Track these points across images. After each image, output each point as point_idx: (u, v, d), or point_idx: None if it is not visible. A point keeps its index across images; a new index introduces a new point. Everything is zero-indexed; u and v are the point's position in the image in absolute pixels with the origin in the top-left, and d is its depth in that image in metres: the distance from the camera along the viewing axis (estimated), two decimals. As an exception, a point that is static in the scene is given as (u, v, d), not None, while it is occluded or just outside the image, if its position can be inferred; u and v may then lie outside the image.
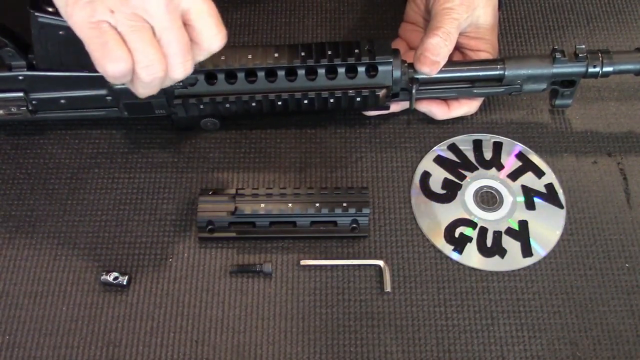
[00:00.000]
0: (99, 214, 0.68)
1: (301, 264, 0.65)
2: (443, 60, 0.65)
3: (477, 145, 0.72)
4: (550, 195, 0.69)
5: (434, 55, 0.65)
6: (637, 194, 0.69)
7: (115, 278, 0.64)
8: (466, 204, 0.69)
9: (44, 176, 0.70)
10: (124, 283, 0.64)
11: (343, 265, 0.65)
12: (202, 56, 0.55)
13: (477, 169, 0.71)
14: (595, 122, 0.74)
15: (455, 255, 0.66)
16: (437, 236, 0.67)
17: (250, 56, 0.64)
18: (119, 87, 0.62)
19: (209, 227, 0.65)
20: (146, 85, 0.54)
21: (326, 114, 0.74)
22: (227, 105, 0.66)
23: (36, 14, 0.56)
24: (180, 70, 0.54)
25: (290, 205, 0.65)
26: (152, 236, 0.67)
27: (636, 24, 0.81)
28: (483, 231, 0.67)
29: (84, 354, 0.61)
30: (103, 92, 0.64)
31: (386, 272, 0.65)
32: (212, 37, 0.53)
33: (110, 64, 0.52)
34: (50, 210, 0.68)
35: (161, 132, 0.73)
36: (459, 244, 0.67)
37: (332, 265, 0.65)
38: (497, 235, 0.67)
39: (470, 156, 0.72)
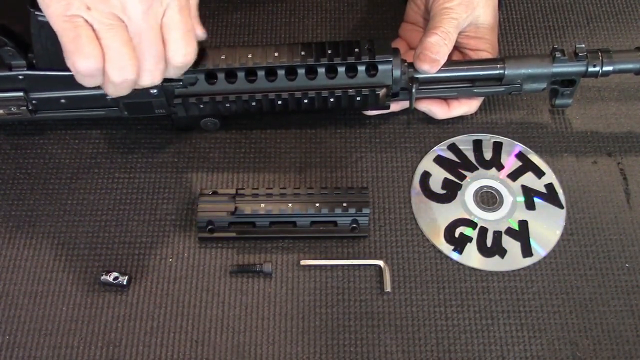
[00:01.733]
0: (99, 214, 0.68)
1: (301, 264, 0.65)
2: (443, 58, 0.65)
3: (477, 145, 0.72)
4: (550, 195, 0.69)
5: (433, 54, 0.65)
6: (637, 194, 0.69)
7: (115, 278, 0.64)
8: (466, 204, 0.69)
9: (44, 176, 0.70)
10: (124, 283, 0.64)
11: (343, 265, 0.65)
12: (168, 72, 0.56)
13: (477, 169, 0.71)
14: (595, 122, 0.74)
15: (455, 255, 0.66)
16: (437, 236, 0.67)
17: (250, 55, 0.64)
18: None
19: (209, 227, 0.65)
20: (116, 87, 0.54)
21: (326, 114, 0.74)
22: (227, 105, 0.66)
23: (36, 12, 0.56)
24: (149, 77, 0.54)
25: (290, 205, 0.65)
26: (152, 236, 0.67)
27: (636, 24, 0.81)
28: (483, 231, 0.67)
29: (84, 354, 0.61)
30: (103, 91, 0.64)
31: (386, 272, 0.65)
32: (176, 52, 0.54)
33: (80, 60, 0.52)
34: (50, 210, 0.68)
35: (161, 132, 0.73)
36: (459, 244, 0.67)
37: (332, 265, 0.65)
38: (497, 235, 0.67)
39: (470, 156, 0.72)
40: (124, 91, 0.55)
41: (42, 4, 0.52)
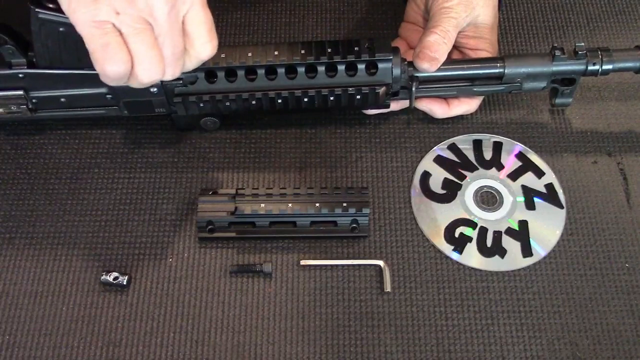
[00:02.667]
0: (99, 214, 0.68)
1: (301, 264, 0.65)
2: (442, 57, 0.65)
3: (477, 145, 0.72)
4: (550, 195, 0.69)
5: (432, 52, 0.65)
6: (637, 194, 0.69)
7: (115, 278, 0.64)
8: (466, 204, 0.69)
9: (44, 176, 0.70)
10: (124, 283, 0.64)
11: (343, 265, 0.65)
12: (191, 63, 0.57)
13: (477, 169, 0.71)
14: (595, 122, 0.74)
15: (455, 255, 0.66)
16: (437, 236, 0.67)
17: (250, 54, 0.64)
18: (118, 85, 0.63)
19: (209, 227, 0.65)
20: (142, 85, 0.55)
21: (326, 114, 0.74)
22: (227, 104, 0.66)
23: (36, 9, 0.56)
24: (170, 72, 0.55)
25: (290, 205, 0.65)
26: (152, 236, 0.67)
27: (636, 24, 0.81)
28: (483, 231, 0.67)
29: (84, 354, 0.61)
30: (103, 90, 0.64)
31: (386, 272, 0.65)
32: (202, 45, 0.55)
33: (110, 66, 0.52)
34: (50, 210, 0.68)
35: (161, 132, 0.73)
36: (459, 244, 0.67)
37: (332, 265, 0.65)
38: (497, 235, 0.67)
39: (470, 156, 0.72)
40: (147, 85, 0.56)
41: (68, 10, 0.51)
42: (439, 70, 0.66)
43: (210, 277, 0.65)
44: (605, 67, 0.66)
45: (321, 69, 0.64)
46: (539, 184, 0.70)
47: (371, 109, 0.71)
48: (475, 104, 0.71)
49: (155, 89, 0.64)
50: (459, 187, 0.70)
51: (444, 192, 0.70)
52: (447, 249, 0.66)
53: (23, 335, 0.62)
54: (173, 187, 0.70)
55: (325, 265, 0.65)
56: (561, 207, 0.68)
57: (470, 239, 0.67)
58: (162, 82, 0.63)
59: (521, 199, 0.69)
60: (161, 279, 0.65)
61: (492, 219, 0.68)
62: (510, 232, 0.67)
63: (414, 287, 0.64)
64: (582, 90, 0.75)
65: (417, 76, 0.66)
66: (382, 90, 0.65)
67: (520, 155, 0.72)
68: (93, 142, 0.72)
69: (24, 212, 0.68)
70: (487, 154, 0.72)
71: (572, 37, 0.79)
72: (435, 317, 0.63)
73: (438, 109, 0.71)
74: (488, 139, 0.73)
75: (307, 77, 0.65)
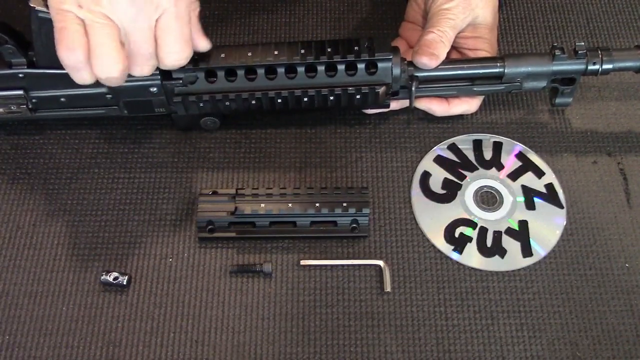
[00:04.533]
0: (99, 214, 0.68)
1: (301, 264, 0.65)
2: (441, 54, 0.65)
3: (477, 145, 0.72)
4: (550, 195, 0.69)
5: (431, 49, 0.65)
6: (637, 194, 0.69)
7: (115, 278, 0.64)
8: (466, 204, 0.69)
9: (44, 176, 0.70)
10: (124, 283, 0.64)
11: (343, 265, 0.65)
12: (158, 65, 0.58)
13: (477, 169, 0.71)
14: (595, 122, 0.74)
15: (455, 255, 0.66)
16: (437, 236, 0.67)
17: (250, 54, 0.64)
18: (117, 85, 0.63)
19: (209, 227, 0.65)
20: (102, 80, 0.56)
21: (326, 114, 0.74)
22: (227, 103, 0.66)
23: (37, 8, 0.56)
24: (138, 71, 0.57)
25: (290, 205, 0.65)
26: (152, 236, 0.67)
27: (636, 24, 0.81)
28: (483, 231, 0.67)
29: (84, 354, 0.61)
30: (103, 90, 0.64)
31: (386, 272, 0.65)
32: (166, 54, 0.57)
33: (63, 51, 0.54)
34: (50, 210, 0.68)
35: (161, 132, 0.73)
36: (459, 244, 0.66)
37: (332, 265, 0.65)
38: (497, 235, 0.67)
39: (470, 156, 0.72)
40: (113, 84, 0.57)
41: None
42: (438, 69, 0.66)
43: (210, 277, 0.65)
44: (605, 66, 0.66)
45: (321, 68, 0.64)
46: (539, 184, 0.70)
47: (371, 108, 0.71)
48: (476, 104, 0.71)
49: (155, 89, 0.64)
50: (459, 187, 0.70)
51: (444, 192, 0.70)
52: (447, 249, 0.66)
53: (23, 335, 0.62)
54: (173, 187, 0.70)
55: (325, 265, 0.65)
56: (561, 207, 0.68)
57: (470, 239, 0.67)
58: (162, 82, 0.63)
59: (521, 199, 0.69)
60: (161, 279, 0.65)
61: (492, 219, 0.68)
62: (510, 232, 0.67)
63: (414, 287, 0.64)
64: (582, 90, 0.75)
65: (417, 76, 0.66)
66: (382, 89, 0.65)
67: (520, 155, 0.72)
68: (93, 142, 0.72)
69: (24, 212, 0.68)
70: (487, 154, 0.72)
71: (572, 37, 0.79)
72: (435, 317, 0.63)
73: (437, 107, 0.70)
74: (488, 139, 0.73)
75: (307, 77, 0.65)
